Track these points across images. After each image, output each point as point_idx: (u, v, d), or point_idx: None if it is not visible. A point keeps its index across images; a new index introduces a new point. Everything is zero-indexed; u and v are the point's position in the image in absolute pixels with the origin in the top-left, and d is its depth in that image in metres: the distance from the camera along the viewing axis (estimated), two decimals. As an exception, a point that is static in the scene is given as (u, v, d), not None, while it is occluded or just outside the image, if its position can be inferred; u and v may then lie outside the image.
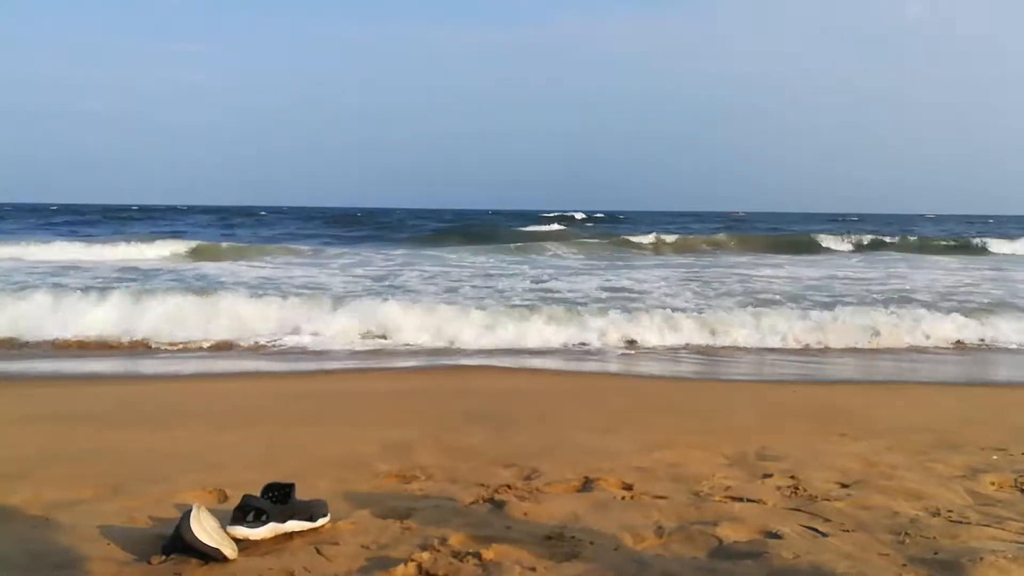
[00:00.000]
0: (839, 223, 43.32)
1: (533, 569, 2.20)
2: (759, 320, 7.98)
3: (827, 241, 25.76)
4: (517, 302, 9.53)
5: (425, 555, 2.25)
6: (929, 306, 9.08)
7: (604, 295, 10.77)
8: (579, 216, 46.57)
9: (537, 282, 12.41)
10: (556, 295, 10.69)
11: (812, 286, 12.36)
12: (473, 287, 11.46)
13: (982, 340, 7.86)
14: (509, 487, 2.99)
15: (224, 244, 20.41)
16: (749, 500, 2.86)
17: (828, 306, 8.99)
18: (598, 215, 50.86)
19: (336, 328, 7.72)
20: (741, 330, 7.73)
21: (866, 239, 26.18)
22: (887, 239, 26.75)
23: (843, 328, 7.82)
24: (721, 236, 26.55)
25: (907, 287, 12.31)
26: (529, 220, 40.13)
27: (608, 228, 34.55)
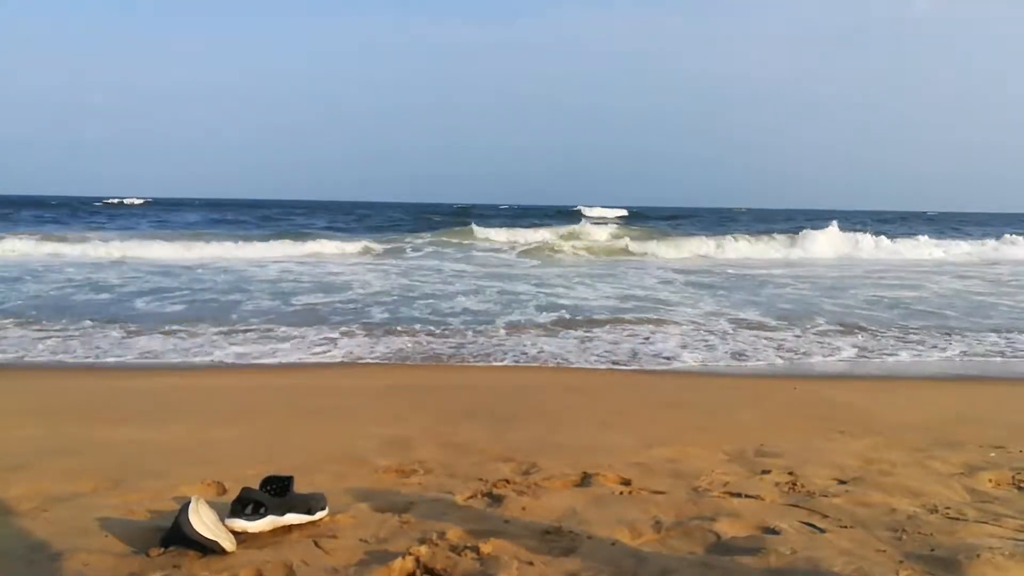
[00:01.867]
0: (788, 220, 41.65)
1: (531, 563, 2.20)
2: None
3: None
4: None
5: (423, 549, 2.26)
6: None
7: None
8: (619, 213, 44.33)
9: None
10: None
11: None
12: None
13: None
14: (507, 482, 3.00)
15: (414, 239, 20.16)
16: (747, 496, 2.87)
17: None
18: (618, 211, 49.21)
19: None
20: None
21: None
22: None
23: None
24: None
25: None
26: (554, 216, 39.13)
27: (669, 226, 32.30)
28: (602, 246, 22.10)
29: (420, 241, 21.94)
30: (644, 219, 42.14)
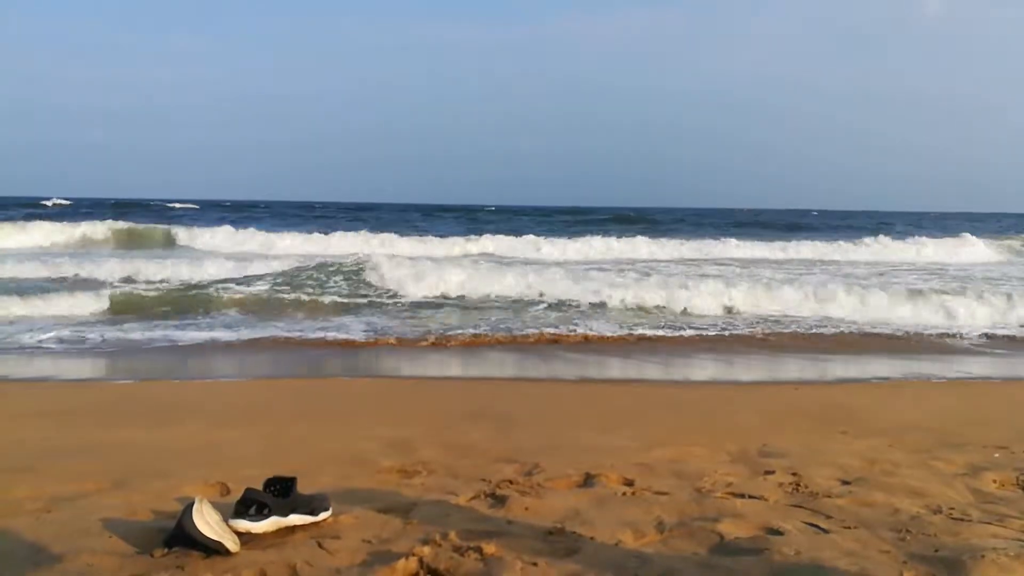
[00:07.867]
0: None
1: (534, 564, 2.20)
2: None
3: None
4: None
5: (426, 549, 2.26)
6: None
7: None
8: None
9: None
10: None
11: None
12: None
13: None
14: (510, 482, 2.99)
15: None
16: (751, 497, 2.86)
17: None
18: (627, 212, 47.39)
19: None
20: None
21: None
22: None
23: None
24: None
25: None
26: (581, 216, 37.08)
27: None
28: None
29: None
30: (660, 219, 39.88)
